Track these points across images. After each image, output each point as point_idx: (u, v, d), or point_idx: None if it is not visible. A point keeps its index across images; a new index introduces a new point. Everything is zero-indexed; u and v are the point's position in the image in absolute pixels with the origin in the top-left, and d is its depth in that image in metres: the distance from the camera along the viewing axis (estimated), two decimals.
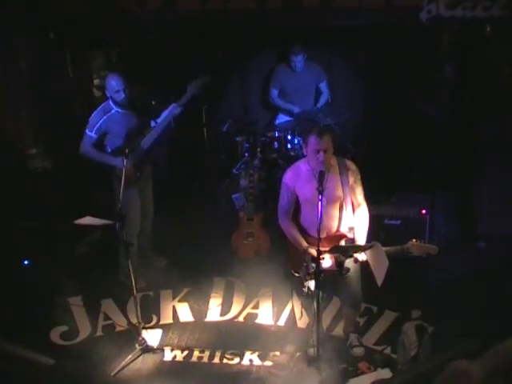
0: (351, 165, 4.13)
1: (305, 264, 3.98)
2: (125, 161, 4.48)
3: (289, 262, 4.28)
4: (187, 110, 5.13)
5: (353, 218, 4.09)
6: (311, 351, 4.27)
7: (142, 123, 5.10)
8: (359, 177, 4.12)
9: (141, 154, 5.03)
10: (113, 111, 4.99)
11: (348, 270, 4.02)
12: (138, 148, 5.00)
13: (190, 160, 6.71)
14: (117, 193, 4.55)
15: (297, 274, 4.10)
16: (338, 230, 4.11)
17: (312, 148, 3.92)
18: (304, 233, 4.14)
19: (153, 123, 5.13)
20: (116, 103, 4.95)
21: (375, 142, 6.73)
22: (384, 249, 3.90)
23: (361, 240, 4.03)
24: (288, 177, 4.14)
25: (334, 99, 6.77)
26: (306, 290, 3.99)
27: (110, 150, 5.05)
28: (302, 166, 4.12)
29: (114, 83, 4.90)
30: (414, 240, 3.95)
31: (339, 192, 4.03)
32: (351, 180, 4.06)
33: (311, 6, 5.79)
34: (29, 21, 5.86)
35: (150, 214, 5.45)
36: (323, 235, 3.95)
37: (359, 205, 4.13)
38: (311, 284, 3.93)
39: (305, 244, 4.04)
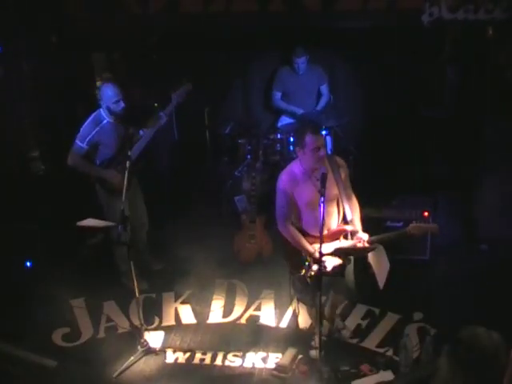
0: (340, 160, 4.16)
1: (307, 265, 3.99)
2: (119, 169, 4.43)
3: (288, 263, 4.28)
4: (190, 112, 5.13)
5: (349, 210, 4.10)
6: (313, 353, 4.27)
7: (130, 133, 4.91)
8: (347, 171, 4.16)
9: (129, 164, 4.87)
10: (104, 122, 4.88)
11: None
12: (126, 159, 4.77)
13: (191, 162, 6.71)
14: (106, 205, 4.51)
15: (298, 274, 4.11)
16: (337, 225, 4.13)
17: (311, 147, 3.88)
18: (304, 233, 4.14)
19: (141, 132, 5.01)
20: (112, 113, 4.84)
21: (377, 144, 6.73)
22: (386, 235, 3.91)
23: (359, 228, 4.08)
24: (284, 182, 4.06)
25: (336, 101, 6.78)
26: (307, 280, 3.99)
27: (98, 162, 4.97)
28: (295, 169, 4.08)
29: (111, 93, 4.78)
30: (414, 222, 3.95)
31: (335, 189, 4.04)
32: (343, 175, 4.08)
33: (313, 7, 5.80)
34: (30, 22, 5.88)
35: (144, 223, 5.39)
36: (324, 232, 3.95)
37: (350, 196, 4.16)
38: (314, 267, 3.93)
39: (311, 249, 4.01)
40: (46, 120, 6.19)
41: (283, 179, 4.08)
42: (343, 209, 4.10)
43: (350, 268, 4.16)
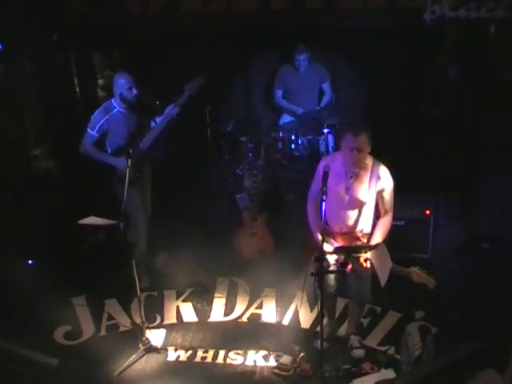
0: (384, 171, 4.07)
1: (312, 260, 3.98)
2: (128, 161, 4.47)
3: (306, 248, 4.31)
4: (190, 109, 5.14)
5: (371, 224, 4.10)
6: (318, 344, 4.22)
7: (142, 123, 5.08)
8: (391, 185, 4.06)
9: (140, 154, 4.98)
10: (115, 110, 4.98)
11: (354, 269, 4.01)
12: (137, 148, 4.94)
13: (193, 160, 6.71)
14: (119, 194, 4.56)
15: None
16: (353, 231, 4.12)
17: (347, 145, 3.94)
18: (324, 222, 4.12)
19: (152, 123, 5.12)
20: (125, 101, 4.93)
21: (377, 144, 6.72)
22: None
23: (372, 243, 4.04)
24: (323, 164, 4.12)
25: (337, 100, 6.77)
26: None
27: (110, 151, 5.04)
28: (338, 157, 4.12)
29: (124, 81, 4.90)
30: (417, 268, 3.90)
31: (364, 196, 4.02)
32: (380, 187, 4.03)
33: (314, 6, 5.80)
34: (31, 21, 5.87)
35: (148, 214, 5.41)
36: (337, 229, 4.02)
37: (385, 212, 4.11)
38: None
39: (317, 237, 4.06)
40: (47, 119, 6.19)
41: (323, 160, 4.20)
42: (367, 220, 4.09)
43: (367, 274, 4.12)
